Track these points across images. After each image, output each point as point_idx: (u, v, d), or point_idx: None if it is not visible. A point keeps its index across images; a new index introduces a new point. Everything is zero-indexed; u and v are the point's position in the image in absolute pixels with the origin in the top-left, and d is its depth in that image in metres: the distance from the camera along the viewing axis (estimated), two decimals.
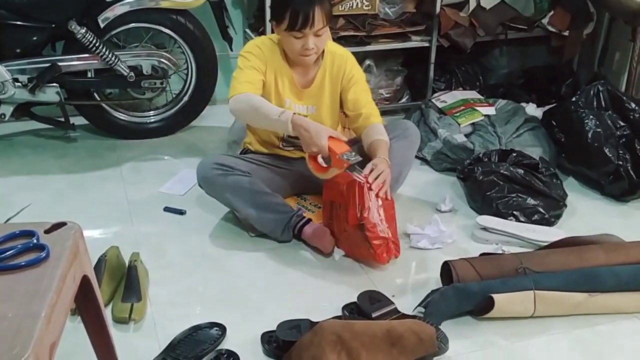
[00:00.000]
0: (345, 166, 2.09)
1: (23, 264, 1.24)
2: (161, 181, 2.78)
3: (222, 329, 1.89)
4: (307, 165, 2.24)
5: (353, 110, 2.36)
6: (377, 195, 2.11)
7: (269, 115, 2.17)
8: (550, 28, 3.45)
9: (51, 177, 2.82)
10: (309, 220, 2.34)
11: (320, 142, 2.11)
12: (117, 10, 2.83)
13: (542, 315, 1.95)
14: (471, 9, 3.32)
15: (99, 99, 3.08)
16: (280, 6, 2.17)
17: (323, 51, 2.32)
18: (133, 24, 2.94)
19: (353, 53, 3.20)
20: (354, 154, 2.11)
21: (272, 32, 2.39)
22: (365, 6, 3.17)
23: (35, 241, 1.30)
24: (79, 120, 3.12)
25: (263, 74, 2.30)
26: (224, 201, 2.36)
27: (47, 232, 1.34)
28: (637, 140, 2.66)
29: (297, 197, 2.61)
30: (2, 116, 2.89)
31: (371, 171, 2.13)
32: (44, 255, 1.26)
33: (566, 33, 3.45)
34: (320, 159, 2.18)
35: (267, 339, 1.85)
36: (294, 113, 2.18)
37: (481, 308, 1.93)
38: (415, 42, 3.36)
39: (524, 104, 3.21)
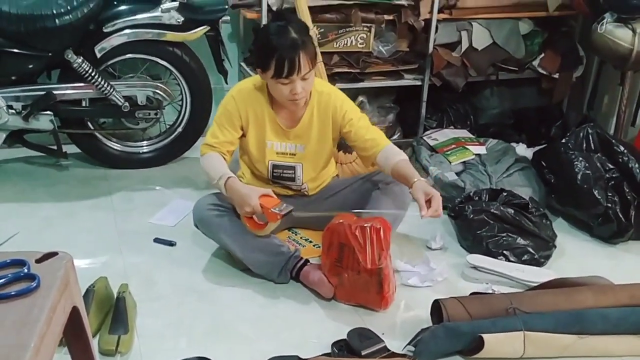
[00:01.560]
0: (279, 218, 2.18)
1: (13, 293, 1.23)
2: (152, 212, 2.78)
3: None
4: (244, 224, 2.27)
5: (358, 141, 2.35)
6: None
7: (212, 180, 2.27)
8: (540, 70, 3.51)
9: (41, 205, 2.80)
10: (307, 261, 2.32)
11: (251, 202, 2.17)
12: (113, 41, 2.85)
13: (532, 356, 1.95)
14: (463, 49, 3.38)
15: (92, 128, 3.08)
16: (265, 55, 2.16)
17: (310, 92, 2.33)
18: (129, 55, 2.95)
19: (347, 89, 3.24)
20: (284, 205, 2.19)
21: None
22: (360, 44, 3.21)
23: (26, 270, 1.29)
24: (71, 149, 3.12)
25: (238, 126, 2.33)
26: (220, 242, 2.37)
27: (38, 261, 1.34)
28: (626, 183, 2.69)
29: (288, 230, 2.61)
30: None
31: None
32: (35, 285, 1.25)
33: (556, 75, 3.51)
34: (256, 218, 2.24)
35: None
36: (229, 177, 2.22)
37: (471, 348, 1.93)
38: (408, 81, 3.40)
39: (514, 144, 3.25)
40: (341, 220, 2.17)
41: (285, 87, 2.19)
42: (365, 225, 2.14)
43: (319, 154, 2.42)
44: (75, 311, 1.35)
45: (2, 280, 1.26)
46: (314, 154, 2.40)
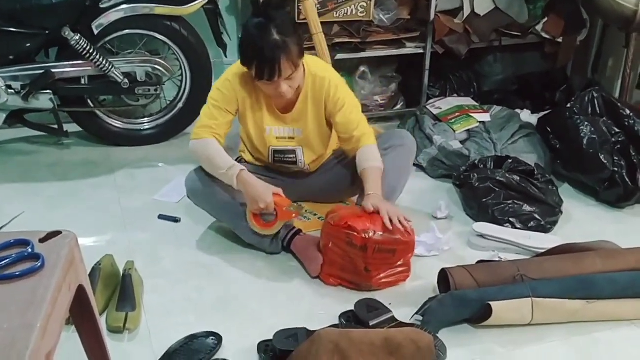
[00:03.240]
0: (293, 217, 2.18)
1: (18, 273, 1.22)
2: (155, 188, 2.77)
3: (218, 338, 1.87)
4: (249, 222, 2.24)
5: (345, 133, 2.30)
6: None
7: (218, 168, 2.21)
8: (544, 35, 3.46)
9: (44, 185, 2.79)
10: (299, 230, 2.30)
11: (267, 198, 2.14)
12: (111, 16, 2.81)
13: (540, 322, 1.95)
14: (465, 15, 3.33)
15: (92, 105, 3.06)
16: (247, 56, 2.11)
17: (305, 73, 2.25)
18: (127, 31, 2.92)
19: (348, 59, 3.23)
20: (296, 205, 2.21)
21: None
22: (360, 13, 3.17)
23: (30, 250, 1.28)
24: (72, 128, 3.10)
25: (233, 109, 2.28)
26: (212, 213, 2.35)
27: (42, 241, 1.32)
28: (632, 147, 2.66)
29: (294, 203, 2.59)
30: None
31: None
32: (39, 264, 1.23)
33: (560, 40, 3.47)
34: (260, 217, 2.23)
35: (264, 348, 1.84)
36: (242, 169, 2.18)
37: (479, 316, 1.92)
38: (410, 49, 3.35)
39: (518, 111, 3.22)
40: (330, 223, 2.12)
41: (269, 86, 2.14)
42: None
43: (317, 137, 2.37)
44: (81, 289, 1.34)
45: (6, 261, 1.24)
46: (312, 136, 2.36)
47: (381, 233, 2.05)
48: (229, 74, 2.29)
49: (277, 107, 2.31)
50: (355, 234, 2.04)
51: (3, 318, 1.11)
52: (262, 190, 2.17)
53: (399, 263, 2.13)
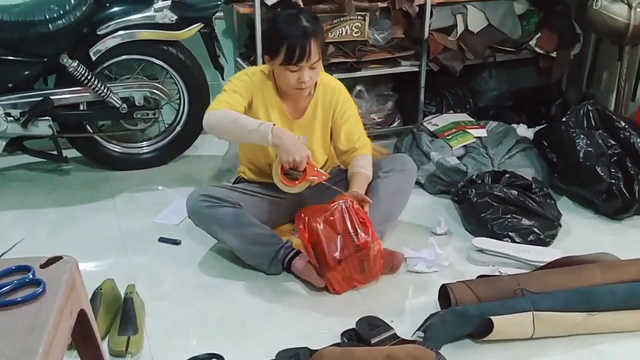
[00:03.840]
0: (323, 178, 2.21)
1: (19, 299, 1.23)
2: (155, 211, 2.77)
3: (220, 359, 1.87)
4: (275, 175, 2.25)
5: (346, 145, 2.38)
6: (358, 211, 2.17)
7: (246, 126, 2.19)
8: (537, 50, 3.50)
9: (45, 211, 2.80)
10: (299, 252, 2.30)
11: (303, 152, 2.16)
12: (108, 43, 2.84)
13: (542, 336, 1.95)
14: (459, 33, 3.37)
15: (91, 131, 3.08)
16: (276, 41, 2.17)
17: (315, 82, 2.33)
18: (124, 56, 2.94)
19: (344, 79, 3.24)
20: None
21: (263, 62, 2.40)
22: (355, 33, 3.20)
23: (31, 276, 1.29)
24: (71, 153, 3.11)
25: (247, 101, 2.31)
26: (212, 233, 2.36)
27: (42, 266, 1.33)
28: (629, 159, 2.68)
29: (292, 223, 2.60)
30: None
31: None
32: (40, 290, 1.24)
33: (554, 54, 3.50)
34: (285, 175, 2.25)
35: None
36: (273, 124, 2.19)
37: (480, 331, 1.92)
38: (405, 67, 3.39)
39: (514, 125, 3.24)
40: (302, 214, 2.18)
41: (293, 74, 2.20)
42: (333, 209, 2.15)
43: (320, 147, 2.42)
44: (82, 314, 1.35)
45: (7, 287, 1.25)
46: (316, 146, 2.40)
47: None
48: (248, 71, 2.38)
49: (289, 111, 2.35)
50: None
51: (5, 343, 1.12)
52: (300, 144, 2.19)
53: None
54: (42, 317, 1.19)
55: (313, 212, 2.19)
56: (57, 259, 1.36)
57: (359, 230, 2.13)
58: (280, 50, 2.16)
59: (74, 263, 1.36)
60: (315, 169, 2.22)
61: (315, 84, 2.34)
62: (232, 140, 2.42)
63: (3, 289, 1.25)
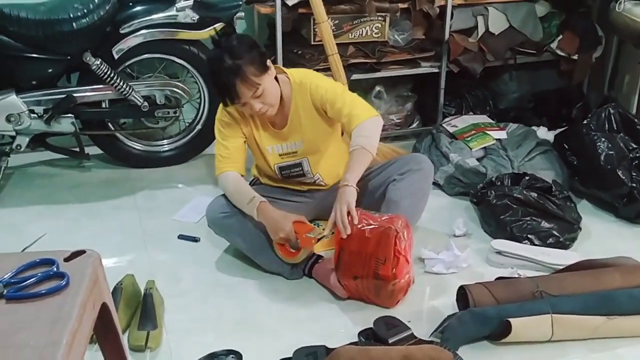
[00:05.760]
0: (313, 243, 2.17)
1: (44, 292, 1.25)
2: (175, 209, 2.80)
3: (238, 356, 1.89)
4: (276, 252, 2.26)
5: (339, 120, 2.30)
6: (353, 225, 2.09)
7: (240, 203, 2.26)
8: (559, 52, 3.47)
9: (66, 207, 2.84)
10: (319, 257, 2.30)
11: (285, 228, 2.16)
12: (130, 41, 2.87)
13: (560, 339, 1.94)
14: (480, 34, 3.35)
15: (113, 128, 3.11)
16: (214, 87, 2.22)
17: (291, 86, 2.29)
18: (146, 55, 2.98)
19: (364, 80, 3.26)
20: (318, 230, 2.19)
21: (282, 64, 2.38)
22: (375, 34, 3.20)
23: (55, 269, 1.31)
24: (93, 150, 3.15)
25: (239, 135, 2.33)
26: (232, 242, 2.38)
27: (66, 260, 1.36)
28: None
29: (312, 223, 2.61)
30: (18, 147, 2.92)
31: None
32: (64, 283, 1.27)
33: (575, 57, 3.47)
34: (287, 246, 2.24)
35: None
36: (261, 201, 2.21)
37: (498, 333, 1.92)
38: (425, 68, 3.38)
39: (535, 128, 3.22)
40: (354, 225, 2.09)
41: (245, 108, 2.19)
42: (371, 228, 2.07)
43: (318, 141, 2.38)
44: (104, 308, 1.37)
45: (32, 280, 1.28)
46: (313, 143, 2.37)
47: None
48: (221, 113, 2.36)
49: (272, 124, 2.35)
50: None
51: (29, 335, 1.14)
52: (280, 220, 2.19)
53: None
54: (66, 310, 1.21)
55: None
56: (80, 252, 1.38)
57: (386, 261, 2.05)
58: (219, 95, 2.19)
59: (97, 257, 1.38)
60: (305, 235, 2.17)
61: (291, 86, 2.29)
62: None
63: (28, 281, 1.27)
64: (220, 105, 2.33)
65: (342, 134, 2.51)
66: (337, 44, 2.97)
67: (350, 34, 3.16)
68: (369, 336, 1.96)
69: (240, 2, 2.95)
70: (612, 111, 2.87)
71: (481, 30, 3.35)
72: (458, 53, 3.33)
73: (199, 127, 3.20)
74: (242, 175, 2.34)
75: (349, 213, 2.08)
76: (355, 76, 3.21)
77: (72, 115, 2.92)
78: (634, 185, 2.62)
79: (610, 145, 2.71)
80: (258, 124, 2.34)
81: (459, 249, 2.38)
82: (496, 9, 3.34)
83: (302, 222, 2.22)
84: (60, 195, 2.94)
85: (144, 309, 2.03)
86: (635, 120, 2.81)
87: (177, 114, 3.08)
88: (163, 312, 2.11)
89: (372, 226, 2.08)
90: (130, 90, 2.93)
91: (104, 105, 3.01)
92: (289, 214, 2.23)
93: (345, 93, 2.32)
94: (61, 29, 2.72)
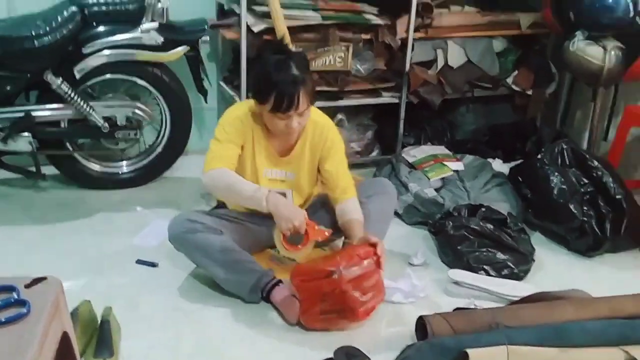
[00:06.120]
0: (326, 235, 2.19)
1: (3, 320, 1.22)
2: (133, 232, 2.76)
3: None
4: (278, 244, 2.27)
5: (331, 182, 2.37)
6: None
7: (243, 192, 2.24)
8: (514, 87, 3.59)
9: (20, 228, 2.77)
10: (279, 281, 2.30)
11: (300, 216, 2.18)
12: (93, 61, 2.84)
13: None
14: (439, 67, 3.44)
15: (71, 149, 3.06)
16: (264, 88, 2.16)
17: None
18: (109, 75, 2.95)
19: (326, 107, 3.28)
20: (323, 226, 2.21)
21: (247, 97, 2.39)
22: (338, 63, 3.25)
23: (15, 296, 1.28)
24: (49, 170, 3.08)
25: (240, 145, 2.32)
26: (192, 259, 2.35)
27: (27, 286, 1.33)
28: (601, 197, 2.75)
29: (271, 249, 2.61)
30: None
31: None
32: (25, 311, 1.24)
33: (530, 92, 3.59)
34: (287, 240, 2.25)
35: None
36: (269, 190, 2.22)
37: None
38: (386, 98, 3.44)
39: (490, 160, 3.30)
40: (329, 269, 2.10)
41: (281, 121, 2.20)
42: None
43: (307, 181, 2.43)
44: (65, 336, 1.34)
45: None
46: (303, 181, 2.41)
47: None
48: (238, 111, 2.34)
49: (277, 149, 2.36)
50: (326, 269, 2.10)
51: None
52: (295, 210, 2.22)
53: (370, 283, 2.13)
54: (27, 339, 1.18)
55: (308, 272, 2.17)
56: (41, 279, 1.36)
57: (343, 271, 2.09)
58: (269, 98, 2.15)
59: (59, 284, 1.36)
60: (316, 227, 2.21)
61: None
62: (230, 202, 2.43)
63: None
64: (230, 109, 2.36)
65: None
66: None
67: (314, 62, 3.20)
68: None
69: (206, 27, 2.97)
70: (564, 146, 2.96)
71: (440, 63, 3.44)
72: (418, 84, 3.41)
73: (159, 149, 3.18)
74: None
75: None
76: (318, 104, 3.16)
77: (30, 135, 2.87)
78: (585, 219, 2.71)
79: (562, 179, 2.80)
80: (262, 144, 2.34)
81: (417, 278, 2.41)
82: (455, 43, 3.43)
83: (307, 217, 2.23)
84: (14, 216, 2.87)
85: (101, 336, 1.98)
86: (587, 155, 2.91)
87: (137, 136, 3.06)
88: (119, 339, 2.06)
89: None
90: (91, 110, 2.90)
91: (62, 125, 2.96)
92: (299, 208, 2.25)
93: (346, 166, 2.42)
94: (22, 47, 2.68)
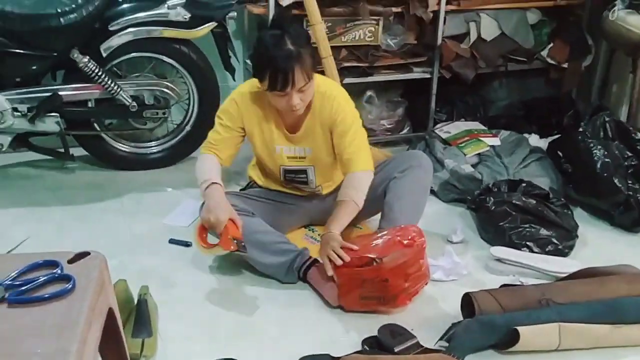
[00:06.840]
0: (231, 249, 2.04)
1: (47, 296, 1.17)
2: (163, 212, 2.72)
3: None
4: (194, 233, 2.16)
5: (338, 151, 2.27)
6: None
7: (199, 180, 2.21)
8: (549, 60, 3.48)
9: (50, 209, 2.73)
10: (315, 260, 2.22)
11: (220, 216, 2.05)
12: (119, 39, 2.77)
13: (567, 348, 1.91)
14: (472, 40, 3.34)
15: (99, 129, 3.01)
16: (260, 67, 2.08)
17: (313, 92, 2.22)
18: (135, 54, 2.88)
19: (355, 84, 3.20)
20: (243, 243, 2.07)
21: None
22: (368, 37, 3.16)
23: (59, 272, 1.23)
24: (77, 151, 3.04)
25: (236, 128, 2.27)
26: None
27: (70, 262, 1.28)
28: None
29: (305, 228, 2.56)
30: (0, 147, 2.80)
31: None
32: (70, 286, 1.19)
33: (565, 65, 3.48)
34: (206, 236, 2.15)
35: None
36: (214, 182, 2.15)
37: (506, 341, 1.88)
38: (417, 74, 3.35)
39: (526, 135, 3.20)
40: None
41: (281, 98, 2.11)
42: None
43: (327, 155, 2.34)
44: (111, 312, 1.29)
45: (35, 283, 1.20)
46: (322, 155, 2.33)
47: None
48: (236, 93, 2.29)
49: (286, 125, 2.28)
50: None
51: (37, 342, 1.07)
52: (222, 207, 2.08)
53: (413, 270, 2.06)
54: (74, 315, 1.13)
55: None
56: (84, 254, 1.31)
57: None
58: (265, 76, 2.06)
59: (103, 259, 1.31)
60: (229, 237, 2.04)
61: (314, 93, 2.22)
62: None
63: (31, 284, 1.19)
64: (232, 94, 2.30)
65: None
66: (330, 47, 2.92)
67: (343, 37, 3.12)
68: (373, 344, 1.91)
69: (233, 2, 2.89)
70: (607, 119, 2.87)
71: (473, 36, 3.34)
72: (450, 59, 3.31)
73: (187, 128, 3.12)
74: (221, 165, 2.29)
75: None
76: (347, 80, 3.15)
77: (57, 115, 2.81)
78: (630, 193, 2.61)
79: (606, 152, 2.70)
80: (271, 121, 2.27)
81: (458, 256, 2.34)
82: (488, 15, 3.33)
83: (237, 226, 2.09)
84: (43, 197, 2.83)
85: (138, 315, 1.94)
86: (630, 128, 2.81)
87: (165, 115, 3.00)
88: (157, 318, 2.02)
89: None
90: (119, 89, 2.84)
91: (90, 105, 2.91)
92: (234, 211, 2.12)
93: (358, 132, 2.27)
94: (48, 24, 2.62)
